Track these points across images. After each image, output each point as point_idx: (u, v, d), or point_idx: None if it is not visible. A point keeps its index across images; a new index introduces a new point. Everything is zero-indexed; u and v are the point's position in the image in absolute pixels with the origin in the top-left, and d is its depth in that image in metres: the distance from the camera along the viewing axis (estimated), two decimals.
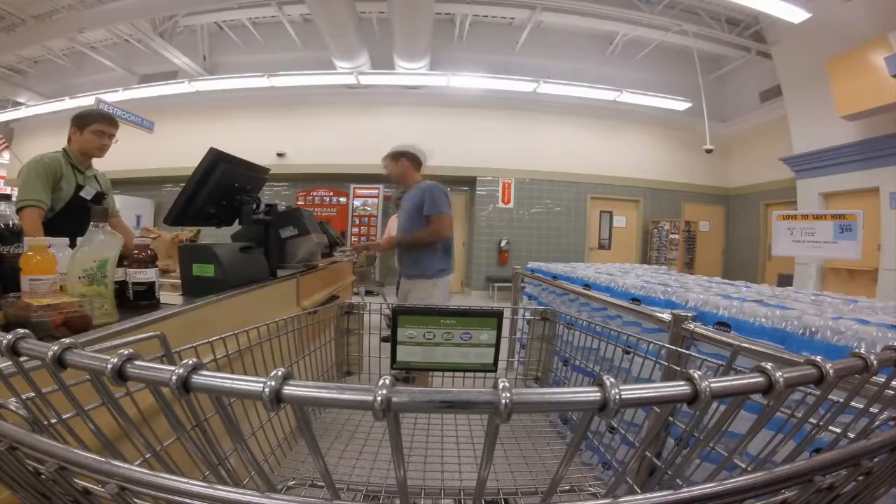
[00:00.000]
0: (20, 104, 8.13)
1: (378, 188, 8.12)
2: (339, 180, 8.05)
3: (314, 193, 8.16)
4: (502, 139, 7.97)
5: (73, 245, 0.80)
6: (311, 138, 8.02)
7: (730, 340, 0.73)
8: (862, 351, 0.27)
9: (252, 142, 7.40)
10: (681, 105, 7.37)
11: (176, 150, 7.39)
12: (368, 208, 8.04)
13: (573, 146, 8.11)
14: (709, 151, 6.45)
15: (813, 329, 0.74)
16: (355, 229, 8.02)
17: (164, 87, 7.40)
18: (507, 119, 7.94)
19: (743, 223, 8.44)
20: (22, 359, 0.26)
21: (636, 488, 0.58)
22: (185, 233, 1.86)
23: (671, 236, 8.19)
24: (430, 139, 6.41)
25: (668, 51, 7.53)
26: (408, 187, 2.55)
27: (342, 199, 8.05)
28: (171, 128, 7.77)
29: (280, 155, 7.97)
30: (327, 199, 8.11)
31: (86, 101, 6.90)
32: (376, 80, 7.65)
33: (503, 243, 7.90)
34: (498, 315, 0.92)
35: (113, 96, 7.17)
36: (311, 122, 8.09)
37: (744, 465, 0.43)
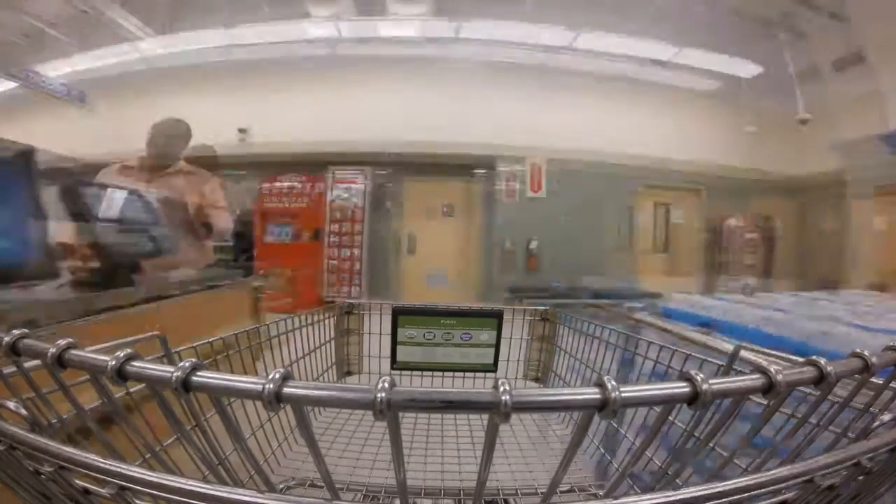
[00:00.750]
0: None
1: (364, 172, 6.42)
2: (315, 164, 6.41)
3: (283, 182, 6.53)
4: (528, 112, 5.90)
5: None
6: (282, 113, 6.32)
7: None
8: (861, 350, 0.27)
9: (207, 117, 5.92)
10: (750, 69, 5.62)
11: (114, 132, 6.35)
12: (353, 198, 6.37)
13: (618, 121, 6.07)
14: (803, 122, 5.12)
15: None
16: (334, 227, 6.25)
17: (106, 55, 5.89)
18: (534, 86, 5.93)
19: (822, 217, 6.37)
20: (21, 358, 0.26)
21: (636, 488, 0.58)
22: None
23: (747, 236, 6.18)
24: (432, 113, 5.70)
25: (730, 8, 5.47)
26: None
27: (320, 187, 6.37)
28: (112, 106, 6.37)
29: (242, 132, 6.29)
30: (299, 186, 6.44)
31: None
32: (363, 30, 5.82)
33: (533, 245, 5.98)
34: (498, 315, 0.92)
35: (56, 69, 6.02)
36: (282, 95, 6.37)
37: (744, 466, 0.43)
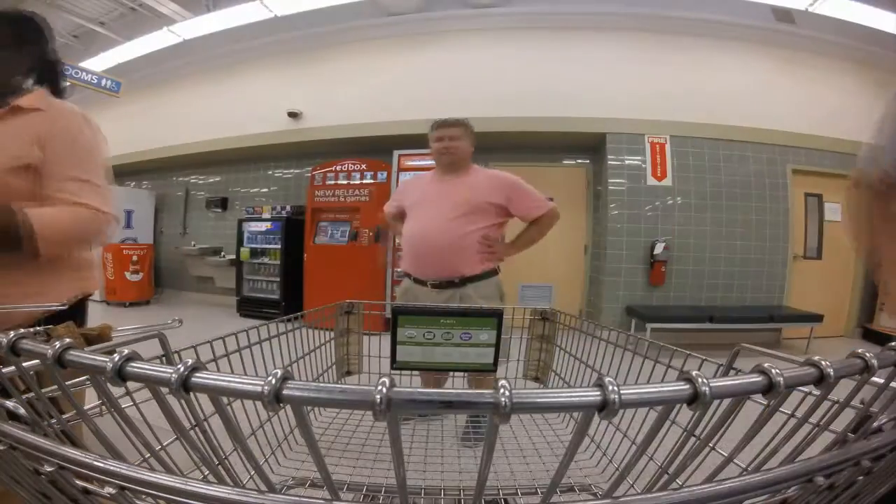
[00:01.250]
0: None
1: None
2: (377, 149, 5.35)
3: (339, 168, 5.29)
4: (644, 78, 4.64)
5: None
6: (337, 91, 5.45)
7: None
8: (860, 350, 0.27)
9: (257, 101, 5.82)
10: None
11: (174, 125, 6.37)
12: None
13: (750, 87, 4.71)
14: None
15: None
16: None
17: (144, 42, 5.83)
18: (651, 47, 4.72)
19: None
20: (21, 358, 0.26)
21: (636, 488, 0.58)
22: None
23: None
24: (522, 80, 4.61)
25: None
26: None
27: (382, 176, 5.13)
28: (161, 101, 6.62)
29: (293, 116, 5.62)
30: (358, 176, 5.19)
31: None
32: None
33: (658, 249, 4.45)
34: (498, 315, 0.92)
35: (96, 64, 6.23)
36: (337, 70, 5.52)
37: (743, 466, 0.43)
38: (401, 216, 2.12)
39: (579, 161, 5.40)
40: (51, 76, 1.18)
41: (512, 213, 1.98)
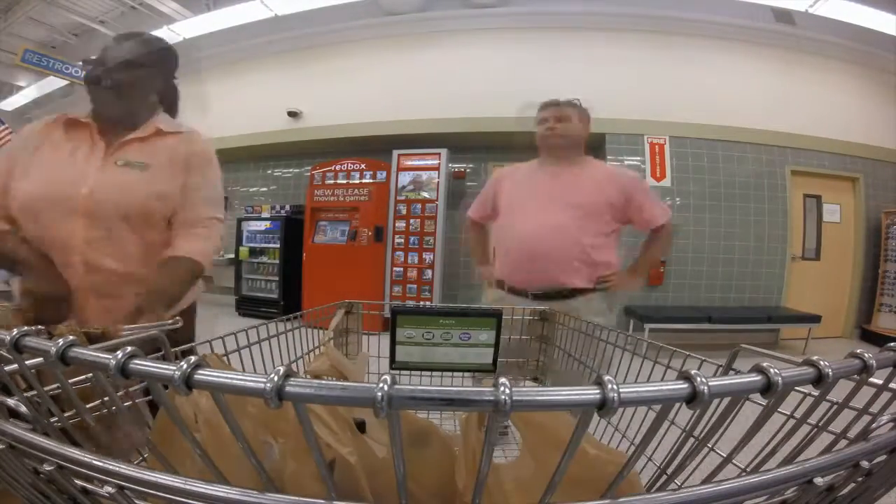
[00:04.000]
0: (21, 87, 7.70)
1: (439, 154, 4.91)
2: (376, 148, 5.33)
3: (338, 168, 5.24)
4: (644, 77, 4.66)
5: None
6: (337, 91, 5.45)
7: None
8: (859, 351, 0.28)
9: (257, 100, 5.79)
10: None
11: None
12: (425, 189, 4.91)
13: (749, 87, 4.74)
14: None
15: None
16: (400, 224, 4.98)
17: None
18: (651, 47, 4.73)
19: None
20: (23, 356, 0.26)
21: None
22: None
23: None
24: (522, 79, 4.43)
25: None
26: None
27: (381, 175, 5.12)
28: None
29: (292, 115, 5.60)
30: (357, 176, 5.17)
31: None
32: None
33: None
34: (497, 315, 0.92)
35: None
36: (337, 70, 5.48)
37: (743, 466, 0.43)
38: (491, 218, 1.85)
39: None
40: (171, 103, 1.25)
41: (628, 219, 1.68)
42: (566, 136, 1.67)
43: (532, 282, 1.62)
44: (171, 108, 1.24)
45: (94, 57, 1.05)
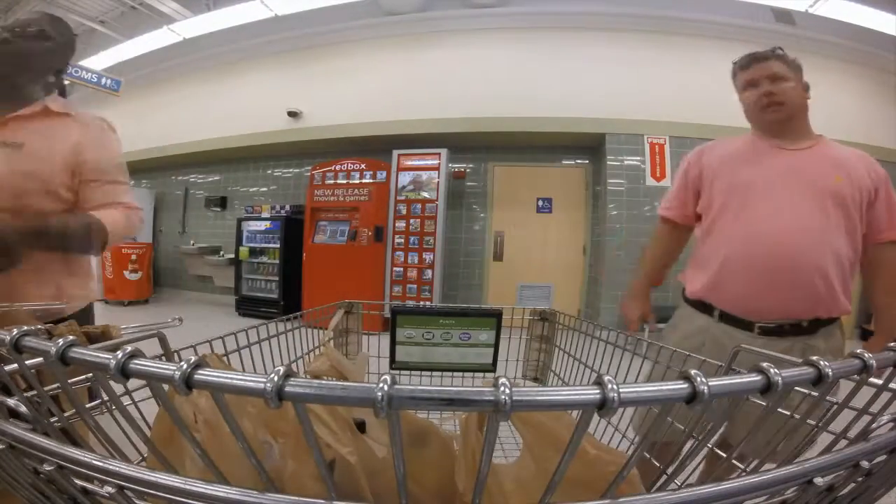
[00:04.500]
0: None
1: (439, 154, 4.90)
2: (376, 148, 5.37)
3: (338, 168, 5.26)
4: (644, 77, 4.63)
5: None
6: (337, 91, 5.48)
7: None
8: (859, 351, 0.28)
9: (257, 100, 5.83)
10: None
11: (174, 124, 6.34)
12: (422, 191, 4.90)
13: None
14: None
15: None
16: (400, 224, 5.01)
17: (144, 41, 5.84)
18: (651, 47, 4.74)
19: None
20: (23, 356, 0.26)
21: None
22: None
23: None
24: (521, 80, 4.63)
25: None
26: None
27: (381, 175, 5.13)
28: (160, 100, 6.55)
29: (292, 115, 5.62)
30: (357, 176, 5.18)
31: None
32: None
33: None
34: (497, 315, 0.92)
35: (96, 62, 6.26)
36: (337, 70, 5.51)
37: (743, 466, 0.43)
38: (692, 220, 1.40)
39: (578, 161, 5.38)
40: (60, 83, 1.22)
41: (861, 219, 1.17)
42: (791, 103, 1.22)
43: (764, 306, 1.16)
44: (62, 87, 1.23)
45: None
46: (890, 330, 1.20)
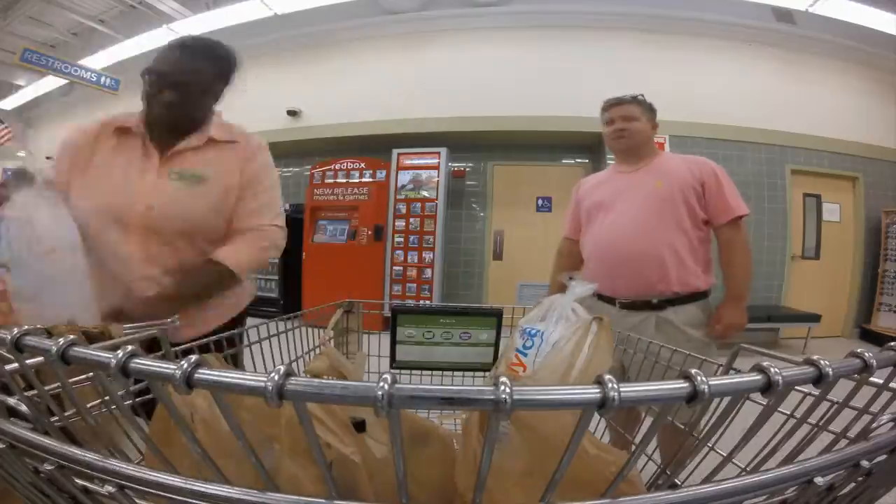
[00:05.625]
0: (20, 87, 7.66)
1: (439, 153, 4.93)
2: (376, 147, 5.31)
3: (338, 167, 5.23)
4: (642, 75, 4.44)
5: None
6: (336, 90, 5.47)
7: None
8: (860, 351, 0.28)
9: (256, 99, 5.41)
10: None
11: None
12: (422, 190, 4.92)
13: (750, 87, 4.76)
14: None
15: None
16: (400, 223, 5.01)
17: (144, 40, 5.74)
18: (650, 47, 4.76)
19: None
20: (24, 355, 0.26)
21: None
22: None
23: None
24: (523, 79, 4.67)
25: None
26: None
27: (381, 174, 5.14)
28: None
29: (292, 114, 5.60)
30: (357, 175, 5.19)
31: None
32: None
33: None
34: (498, 314, 0.92)
35: (95, 61, 6.23)
36: (337, 69, 5.50)
37: (743, 466, 0.43)
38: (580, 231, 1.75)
39: (578, 160, 5.38)
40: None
41: (706, 210, 1.52)
42: (634, 136, 1.59)
43: (619, 289, 1.51)
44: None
45: (157, 66, 1.02)
46: (734, 295, 1.49)
